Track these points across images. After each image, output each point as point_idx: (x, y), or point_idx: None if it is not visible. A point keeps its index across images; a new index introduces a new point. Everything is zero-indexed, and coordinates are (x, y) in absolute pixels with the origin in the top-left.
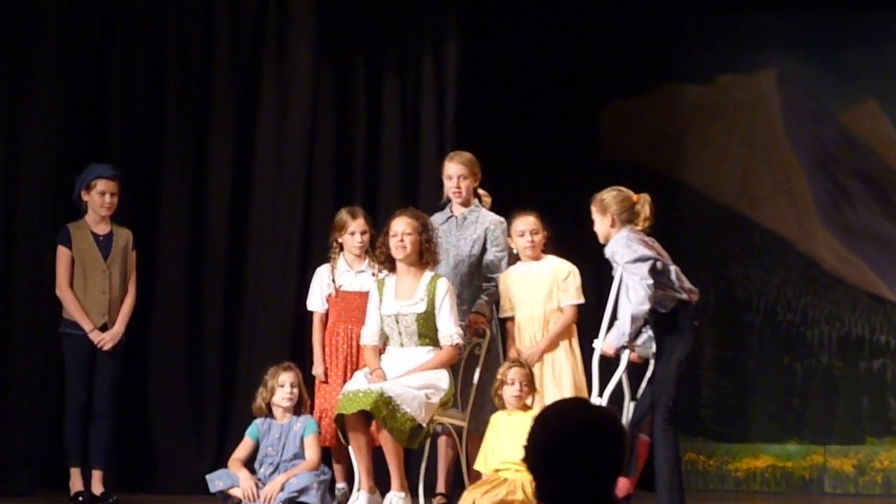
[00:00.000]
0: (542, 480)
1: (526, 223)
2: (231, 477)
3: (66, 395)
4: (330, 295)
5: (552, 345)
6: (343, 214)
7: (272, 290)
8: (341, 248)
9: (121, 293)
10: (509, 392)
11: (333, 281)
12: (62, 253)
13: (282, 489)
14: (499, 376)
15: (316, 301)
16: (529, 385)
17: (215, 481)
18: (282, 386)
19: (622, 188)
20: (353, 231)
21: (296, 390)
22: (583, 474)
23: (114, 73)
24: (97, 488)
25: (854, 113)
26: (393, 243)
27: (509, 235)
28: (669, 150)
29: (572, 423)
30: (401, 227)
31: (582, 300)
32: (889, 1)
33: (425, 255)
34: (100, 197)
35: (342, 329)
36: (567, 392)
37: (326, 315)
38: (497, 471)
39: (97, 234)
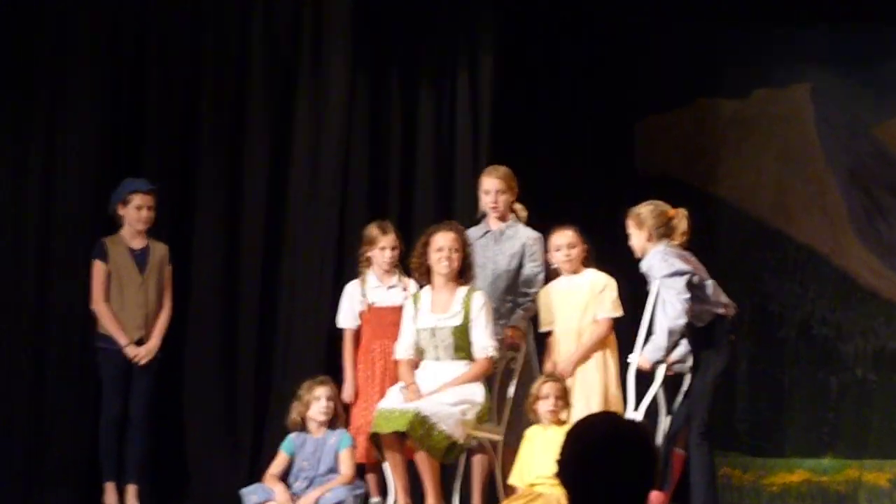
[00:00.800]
0: (574, 495)
1: (562, 237)
2: (266, 491)
3: (101, 409)
4: (362, 311)
5: (584, 357)
6: (373, 229)
7: (307, 305)
8: (369, 262)
9: (156, 307)
10: (543, 407)
11: (365, 296)
12: (98, 267)
13: (316, 503)
14: (533, 391)
15: (347, 318)
16: (564, 399)
17: (250, 496)
18: (317, 399)
19: (659, 202)
20: (384, 247)
21: (331, 404)
22: (614, 488)
23: (150, 88)
24: (132, 503)
25: (889, 127)
26: (437, 258)
27: (547, 250)
28: (704, 165)
29: (603, 438)
30: (447, 243)
31: (619, 313)
32: None
33: (465, 271)
34: (136, 211)
35: (378, 345)
36: (595, 406)
37: (358, 332)
38: (532, 485)
39: (133, 248)
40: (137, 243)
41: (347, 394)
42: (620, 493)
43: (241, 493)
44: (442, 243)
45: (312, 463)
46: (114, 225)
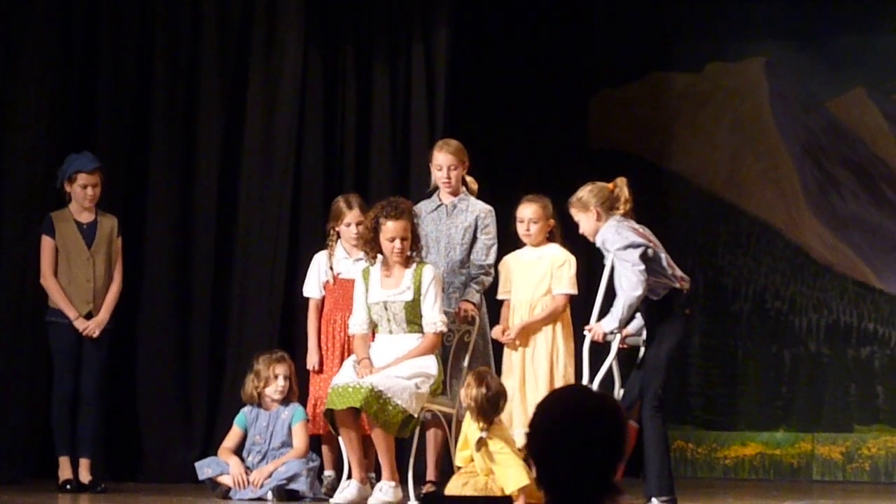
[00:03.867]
0: (542, 467)
1: (526, 210)
2: (220, 464)
3: (54, 384)
4: (327, 282)
5: (533, 330)
6: (340, 204)
7: (261, 279)
8: (338, 236)
9: (106, 281)
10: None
11: (331, 268)
12: (46, 242)
13: (270, 476)
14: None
15: (313, 287)
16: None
17: (204, 469)
18: (276, 378)
19: (595, 181)
20: (349, 222)
21: (288, 382)
22: (583, 461)
23: (101, 63)
24: (85, 476)
25: (842, 101)
26: (388, 247)
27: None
28: (658, 139)
29: (572, 410)
30: (398, 232)
31: (574, 291)
32: None
33: (413, 254)
34: (81, 190)
35: (339, 317)
36: (542, 382)
37: (322, 302)
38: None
39: (80, 222)
40: (85, 217)
41: (311, 362)
42: (589, 466)
43: (196, 466)
44: (393, 234)
45: (265, 437)
46: (62, 200)
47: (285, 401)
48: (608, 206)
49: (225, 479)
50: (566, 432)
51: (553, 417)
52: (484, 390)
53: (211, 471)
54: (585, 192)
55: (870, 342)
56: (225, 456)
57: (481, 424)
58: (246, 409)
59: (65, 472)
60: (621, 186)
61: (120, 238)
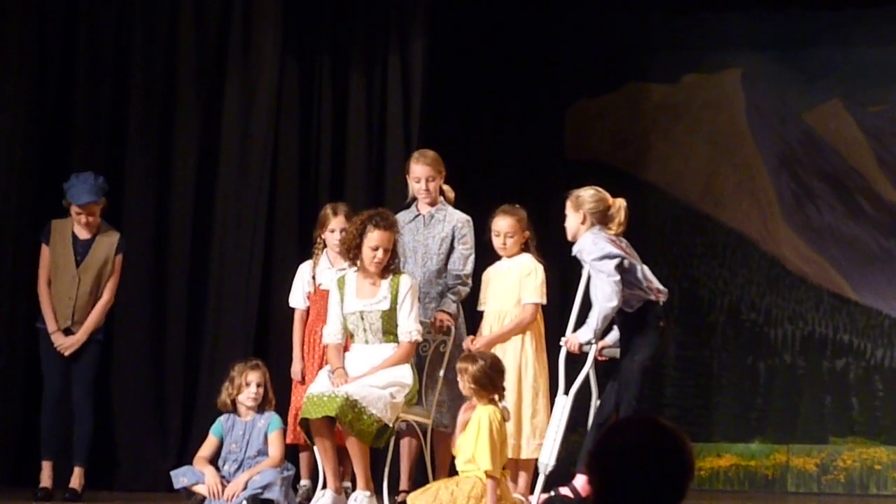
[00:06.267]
0: (600, 492)
1: (501, 224)
2: (196, 474)
3: (43, 389)
4: (310, 293)
5: (502, 339)
6: (326, 211)
7: (236, 288)
8: (325, 244)
9: (91, 300)
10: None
11: (314, 278)
12: (42, 251)
13: (245, 487)
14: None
15: (298, 298)
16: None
17: (180, 477)
18: (248, 385)
19: (601, 190)
20: (334, 229)
21: (261, 390)
22: (645, 495)
23: (77, 71)
24: (76, 483)
25: (818, 113)
26: (370, 256)
27: (489, 231)
28: (634, 150)
29: (638, 445)
30: (382, 243)
31: (541, 300)
32: (852, 1)
33: (391, 265)
34: (76, 216)
35: (321, 327)
36: (509, 390)
37: (307, 312)
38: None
39: (78, 237)
40: (85, 233)
41: (296, 372)
42: (649, 501)
43: (172, 475)
44: (377, 242)
45: (241, 445)
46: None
47: (261, 409)
48: (599, 217)
49: (200, 489)
50: (629, 468)
51: (617, 450)
52: (481, 363)
53: (186, 479)
54: (585, 194)
55: (845, 354)
56: (200, 465)
57: (497, 394)
58: (222, 418)
59: (45, 478)
60: (619, 208)
61: (120, 255)
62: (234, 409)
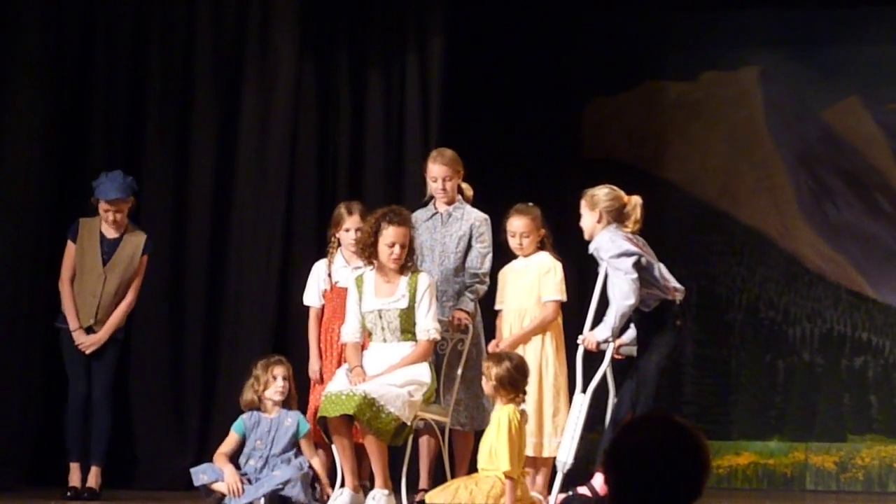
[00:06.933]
0: (616, 490)
1: (516, 224)
2: (215, 471)
3: (68, 390)
4: (326, 291)
5: (524, 339)
6: (340, 210)
7: (254, 286)
8: (339, 243)
9: (115, 298)
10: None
11: (330, 276)
12: (68, 247)
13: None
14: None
15: (312, 296)
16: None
17: (199, 475)
18: (274, 379)
19: (616, 188)
20: (349, 228)
21: (287, 384)
22: (661, 493)
23: (96, 72)
24: (94, 482)
25: (836, 110)
26: (387, 252)
27: (503, 231)
28: (651, 148)
29: (653, 443)
30: (398, 239)
31: (561, 297)
32: None
33: (409, 262)
34: (104, 213)
35: (337, 326)
36: (531, 390)
37: (323, 311)
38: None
39: (106, 236)
40: (112, 232)
41: (313, 370)
42: (666, 499)
43: (191, 472)
44: (393, 239)
45: (266, 442)
46: (95, 208)
47: (286, 404)
48: (615, 215)
49: (219, 486)
50: (645, 466)
51: (632, 448)
52: (507, 363)
53: (206, 477)
54: (600, 192)
55: (863, 352)
56: (220, 462)
57: (519, 396)
58: (245, 416)
59: (73, 478)
60: (634, 206)
61: (145, 256)
62: (258, 406)
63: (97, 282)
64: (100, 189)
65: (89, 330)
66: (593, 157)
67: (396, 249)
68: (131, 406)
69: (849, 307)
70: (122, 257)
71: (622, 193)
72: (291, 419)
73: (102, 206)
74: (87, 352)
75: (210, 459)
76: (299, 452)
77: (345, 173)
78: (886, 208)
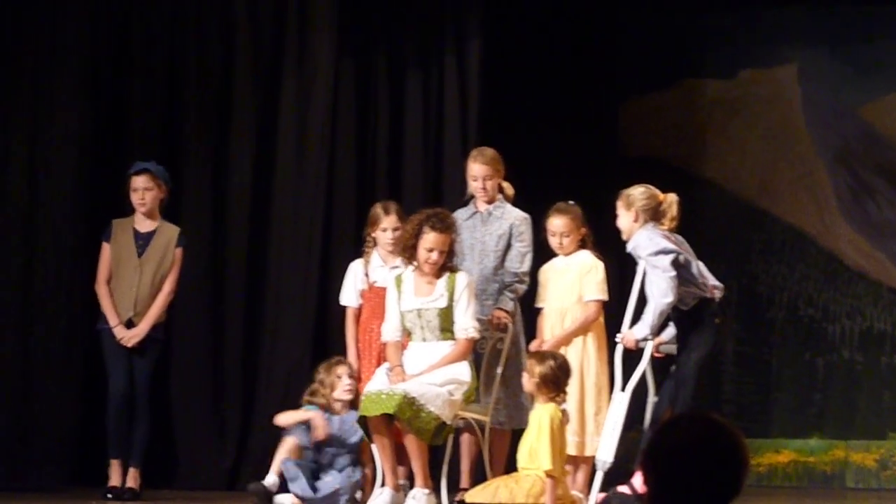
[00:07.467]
0: (655, 490)
1: (556, 223)
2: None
3: (108, 390)
4: (363, 290)
5: (566, 340)
6: (377, 209)
7: (294, 287)
8: (375, 242)
9: (152, 290)
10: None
11: (367, 276)
12: (103, 249)
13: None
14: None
15: (349, 296)
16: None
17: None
18: (339, 378)
19: (651, 187)
20: (386, 227)
21: (353, 381)
22: (700, 492)
23: (133, 73)
24: (133, 483)
25: (875, 108)
26: (425, 256)
27: (543, 230)
28: (689, 146)
29: (692, 442)
30: (438, 245)
31: (603, 296)
32: None
33: (447, 263)
34: (133, 193)
35: (376, 325)
36: (572, 390)
37: (360, 310)
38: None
39: (139, 230)
40: (145, 226)
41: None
42: (704, 498)
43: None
44: (432, 245)
45: (335, 442)
46: (130, 208)
47: (353, 405)
48: (651, 214)
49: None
50: (683, 465)
51: (671, 447)
52: (551, 362)
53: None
54: (636, 192)
55: None
56: (298, 416)
57: (560, 396)
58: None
59: (114, 477)
60: (671, 203)
61: (180, 249)
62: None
63: (134, 274)
64: (131, 168)
65: (129, 324)
66: (632, 156)
67: (434, 255)
68: (172, 406)
69: (889, 304)
70: (156, 249)
71: (657, 192)
72: (353, 417)
73: (132, 184)
74: (129, 345)
75: (250, 460)
76: (356, 456)
77: (383, 173)
78: None
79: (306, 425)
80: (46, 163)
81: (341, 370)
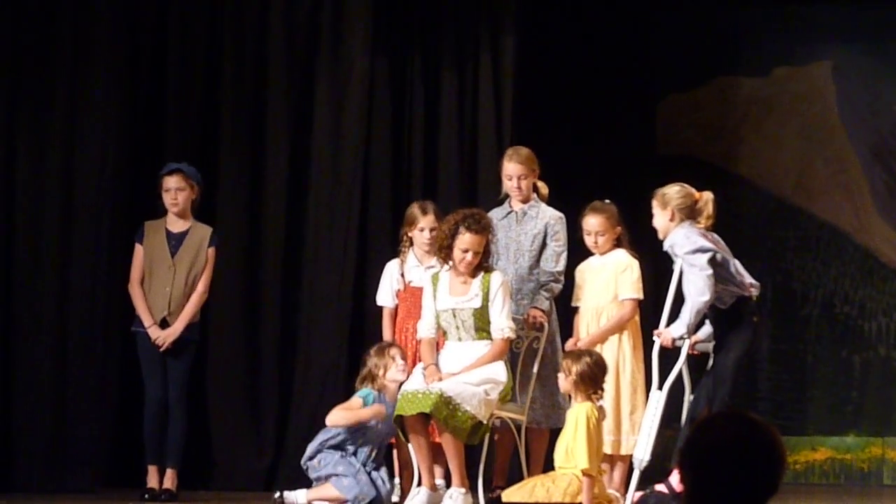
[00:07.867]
0: (693, 489)
1: (592, 223)
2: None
3: (144, 397)
4: (399, 290)
5: (602, 339)
6: (414, 209)
7: (329, 286)
8: (411, 242)
9: (186, 290)
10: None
11: (402, 276)
12: (136, 250)
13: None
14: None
15: (386, 296)
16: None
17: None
18: (393, 359)
19: (686, 185)
20: (423, 227)
21: (405, 362)
22: (737, 490)
23: (169, 74)
24: (170, 484)
25: None
26: (460, 257)
27: (579, 229)
28: (725, 144)
29: (728, 441)
30: (473, 246)
31: (638, 295)
32: None
33: (483, 263)
34: (165, 194)
35: (411, 325)
36: (608, 388)
37: (396, 310)
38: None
39: (171, 231)
40: (177, 227)
41: None
42: (741, 496)
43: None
44: (468, 246)
45: (389, 424)
46: (163, 209)
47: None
48: (687, 212)
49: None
50: (720, 463)
51: (708, 446)
52: (587, 359)
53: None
54: (671, 191)
55: None
56: (359, 415)
57: (597, 393)
58: (374, 393)
59: (151, 479)
60: (706, 201)
61: (213, 248)
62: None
63: (167, 274)
64: (163, 169)
65: (164, 324)
66: (667, 154)
67: (469, 256)
68: (208, 408)
69: None
70: (189, 248)
71: (693, 190)
72: None
73: (164, 184)
74: (164, 346)
75: (287, 462)
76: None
77: (419, 172)
78: None
79: (381, 399)
80: (82, 164)
81: (394, 351)
